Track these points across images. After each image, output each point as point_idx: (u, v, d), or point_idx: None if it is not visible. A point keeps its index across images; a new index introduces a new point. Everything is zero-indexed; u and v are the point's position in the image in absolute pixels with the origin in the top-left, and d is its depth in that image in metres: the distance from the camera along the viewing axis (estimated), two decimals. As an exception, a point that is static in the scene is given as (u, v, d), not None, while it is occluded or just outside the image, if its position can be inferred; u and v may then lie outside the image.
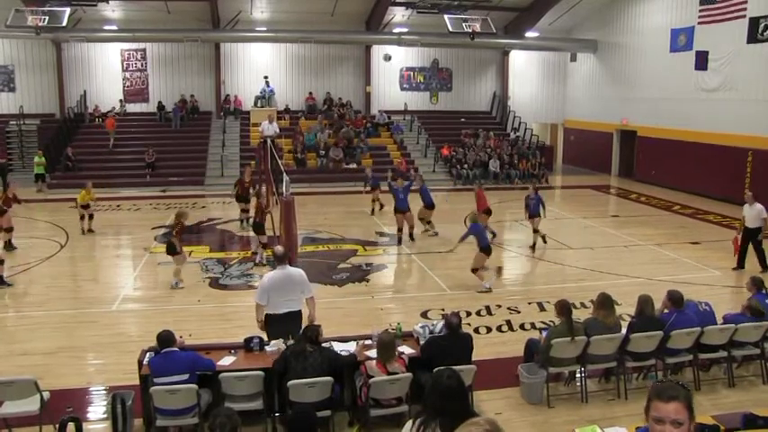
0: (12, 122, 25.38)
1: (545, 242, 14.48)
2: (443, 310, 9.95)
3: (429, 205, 15.46)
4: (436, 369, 4.64)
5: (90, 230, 15.71)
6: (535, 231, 14.28)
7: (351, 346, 6.95)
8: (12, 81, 26.29)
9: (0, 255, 12.01)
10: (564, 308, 7.18)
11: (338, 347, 6.87)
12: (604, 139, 27.71)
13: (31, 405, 6.17)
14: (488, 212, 14.65)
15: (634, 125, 25.58)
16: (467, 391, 5.06)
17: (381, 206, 18.27)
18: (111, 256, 14.23)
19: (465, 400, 4.13)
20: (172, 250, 11.57)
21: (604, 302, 7.46)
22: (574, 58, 30.01)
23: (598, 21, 27.63)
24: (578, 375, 7.41)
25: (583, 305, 10.16)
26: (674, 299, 7.52)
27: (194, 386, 6.07)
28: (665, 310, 7.62)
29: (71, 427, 5.90)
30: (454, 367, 4.77)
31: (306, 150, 25.37)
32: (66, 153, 23.65)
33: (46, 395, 6.31)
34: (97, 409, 7.05)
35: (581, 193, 23.38)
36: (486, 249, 11.31)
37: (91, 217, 15.85)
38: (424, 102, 30.16)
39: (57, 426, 5.93)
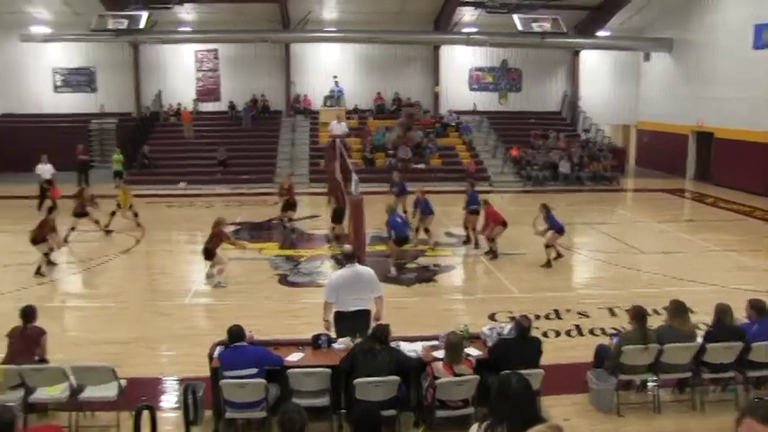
0: (93, 121, 26.58)
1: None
2: (511, 312, 9.83)
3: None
4: (504, 372, 4.58)
5: (138, 225, 16.05)
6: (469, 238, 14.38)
7: (417, 347, 6.93)
8: (93, 82, 27.55)
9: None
10: (638, 314, 6.97)
11: (405, 348, 6.86)
12: (679, 140, 26.73)
13: (109, 391, 6.44)
14: (505, 225, 13.58)
15: (710, 126, 24.54)
16: (535, 396, 4.98)
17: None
18: (185, 251, 14.66)
19: (533, 405, 4.06)
20: (207, 256, 11.86)
21: (679, 309, 7.17)
22: (647, 58, 29.03)
23: (674, 18, 26.62)
24: (650, 384, 7.18)
25: (655, 312, 9.81)
26: (757, 307, 7.17)
27: (262, 381, 6.18)
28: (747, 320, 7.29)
29: (146, 414, 6.11)
30: (521, 371, 4.69)
31: (374, 150, 25.51)
32: (142, 151, 24.57)
33: (123, 383, 6.57)
34: (170, 398, 7.28)
35: (654, 197, 22.63)
36: (399, 241, 12.48)
37: (136, 215, 16.25)
38: (493, 102, 29.87)
39: (133, 413, 6.15)
